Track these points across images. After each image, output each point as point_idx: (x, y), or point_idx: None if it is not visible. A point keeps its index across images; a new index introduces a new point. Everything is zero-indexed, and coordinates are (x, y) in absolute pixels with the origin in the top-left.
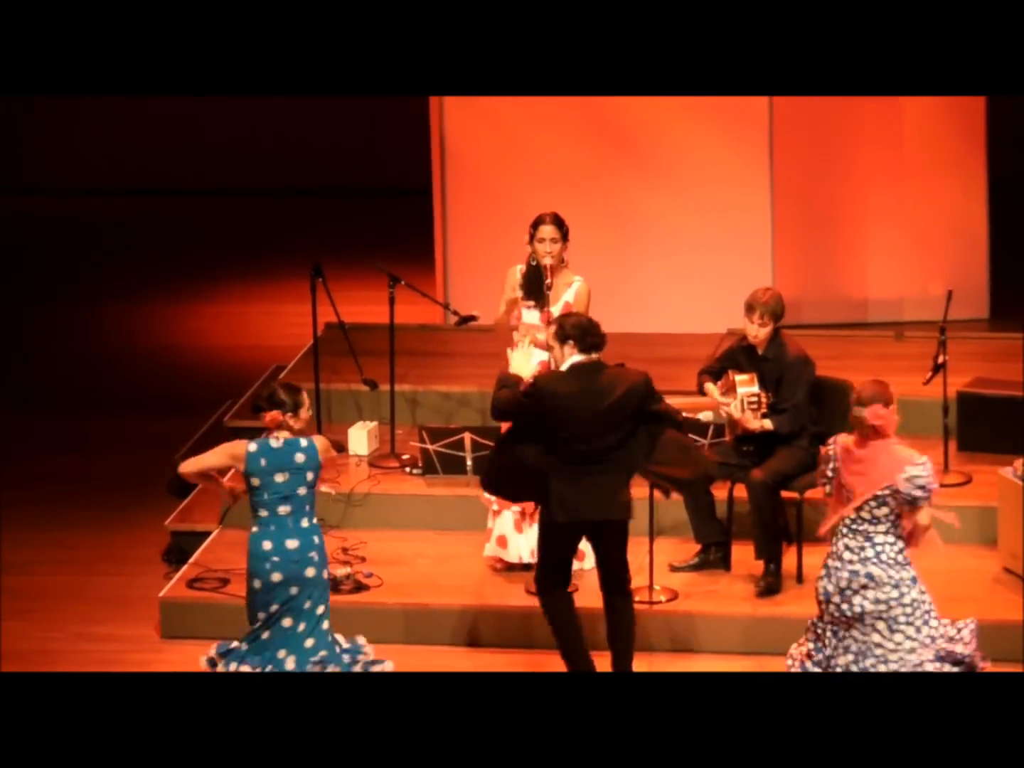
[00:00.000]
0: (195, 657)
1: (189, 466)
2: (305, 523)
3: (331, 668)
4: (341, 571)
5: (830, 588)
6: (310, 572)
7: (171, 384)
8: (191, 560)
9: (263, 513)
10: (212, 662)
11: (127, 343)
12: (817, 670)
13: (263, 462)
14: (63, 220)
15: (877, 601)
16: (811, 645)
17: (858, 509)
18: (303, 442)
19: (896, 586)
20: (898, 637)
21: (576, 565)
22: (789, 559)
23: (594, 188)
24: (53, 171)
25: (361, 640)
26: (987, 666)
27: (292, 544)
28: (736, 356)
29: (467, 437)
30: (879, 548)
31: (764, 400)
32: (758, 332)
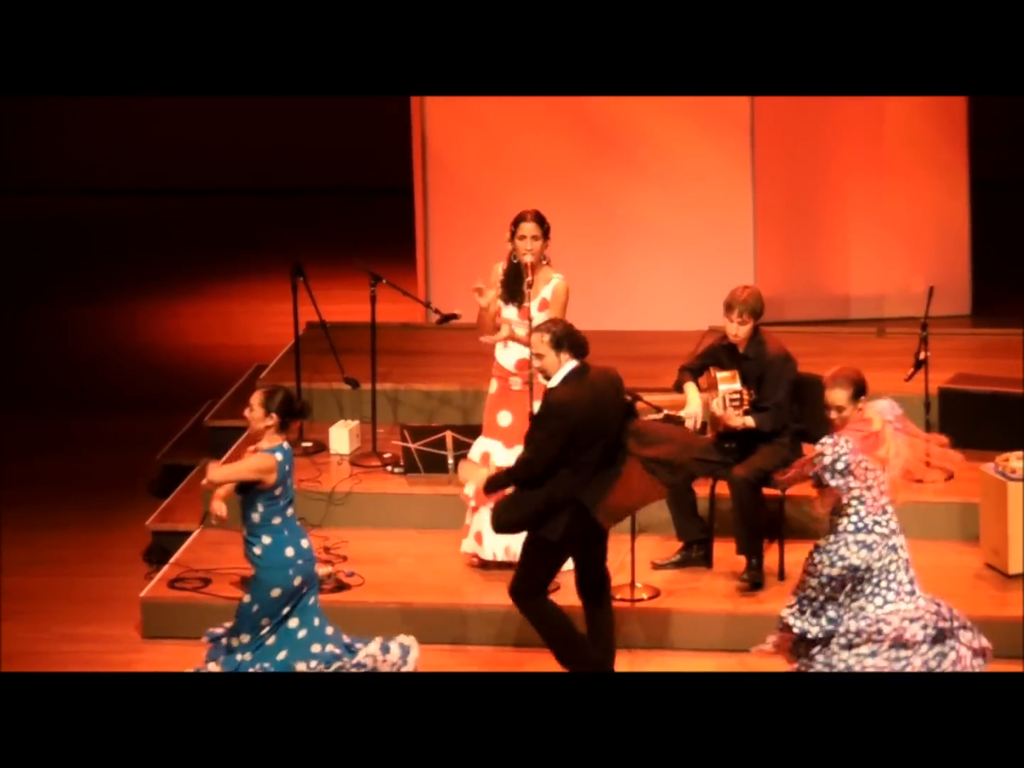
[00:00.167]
0: (176, 657)
1: (219, 475)
2: (298, 521)
3: (333, 658)
4: (323, 570)
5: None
6: (316, 567)
7: (152, 383)
8: (172, 560)
9: (276, 521)
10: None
11: (108, 343)
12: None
13: (286, 469)
14: (36, 221)
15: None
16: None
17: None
18: (285, 443)
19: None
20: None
21: None
22: (771, 556)
23: (576, 186)
24: (51, 171)
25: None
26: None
27: (305, 543)
28: (718, 354)
29: (448, 436)
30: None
31: (746, 397)
32: (738, 330)
